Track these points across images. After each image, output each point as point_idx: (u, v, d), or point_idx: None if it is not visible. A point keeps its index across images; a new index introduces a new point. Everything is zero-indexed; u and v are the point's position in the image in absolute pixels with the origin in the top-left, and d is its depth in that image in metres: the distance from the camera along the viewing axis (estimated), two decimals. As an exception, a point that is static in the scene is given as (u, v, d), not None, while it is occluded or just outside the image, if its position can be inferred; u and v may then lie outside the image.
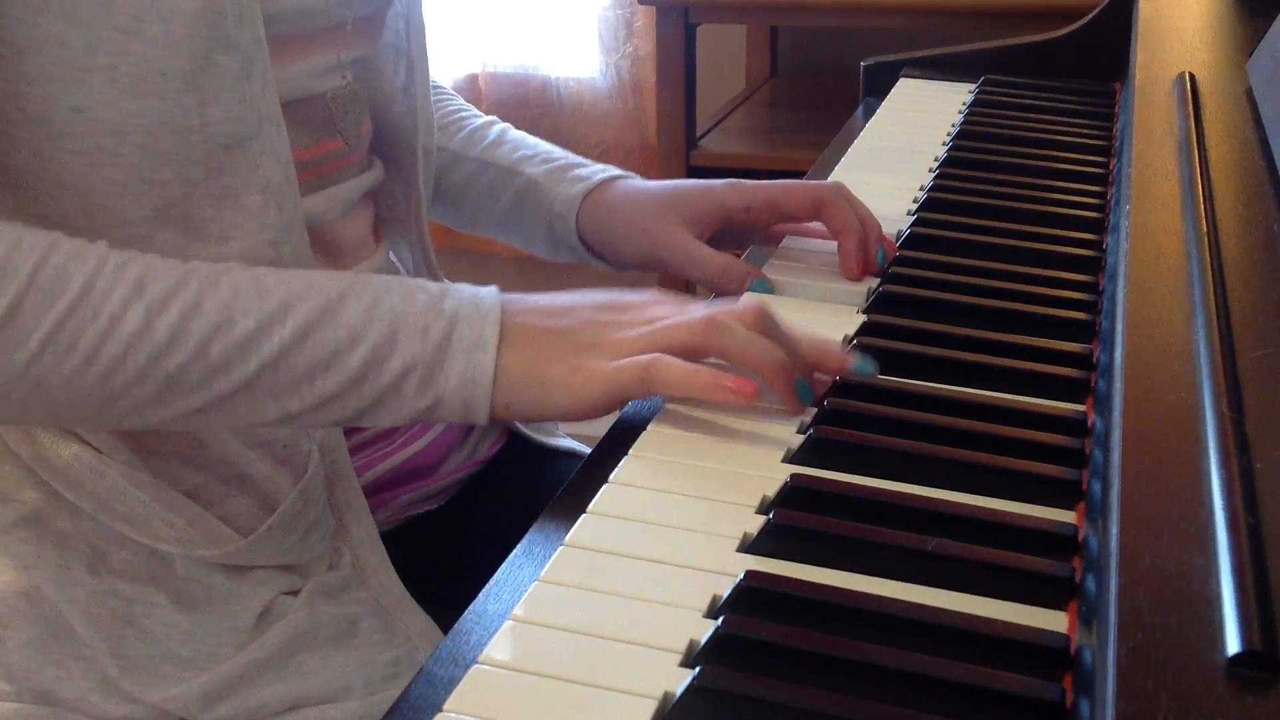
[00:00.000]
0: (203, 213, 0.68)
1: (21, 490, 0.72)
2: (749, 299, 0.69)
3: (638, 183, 0.91)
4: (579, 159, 0.95)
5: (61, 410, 0.63)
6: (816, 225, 0.87)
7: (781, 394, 0.65)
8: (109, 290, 0.62)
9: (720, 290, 0.83)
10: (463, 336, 0.64)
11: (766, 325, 0.66)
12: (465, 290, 0.67)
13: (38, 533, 0.72)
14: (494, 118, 1.00)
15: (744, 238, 0.91)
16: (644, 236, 0.87)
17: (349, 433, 0.81)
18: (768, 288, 0.82)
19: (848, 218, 0.83)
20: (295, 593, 0.74)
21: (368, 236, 0.84)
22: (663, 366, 0.63)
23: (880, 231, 0.85)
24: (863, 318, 0.77)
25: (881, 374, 0.69)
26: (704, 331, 0.65)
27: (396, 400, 0.65)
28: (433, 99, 0.96)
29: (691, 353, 0.65)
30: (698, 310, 0.67)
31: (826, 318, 0.77)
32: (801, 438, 0.63)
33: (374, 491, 0.84)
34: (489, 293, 0.67)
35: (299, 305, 0.64)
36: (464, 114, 0.99)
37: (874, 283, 0.82)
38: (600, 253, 0.91)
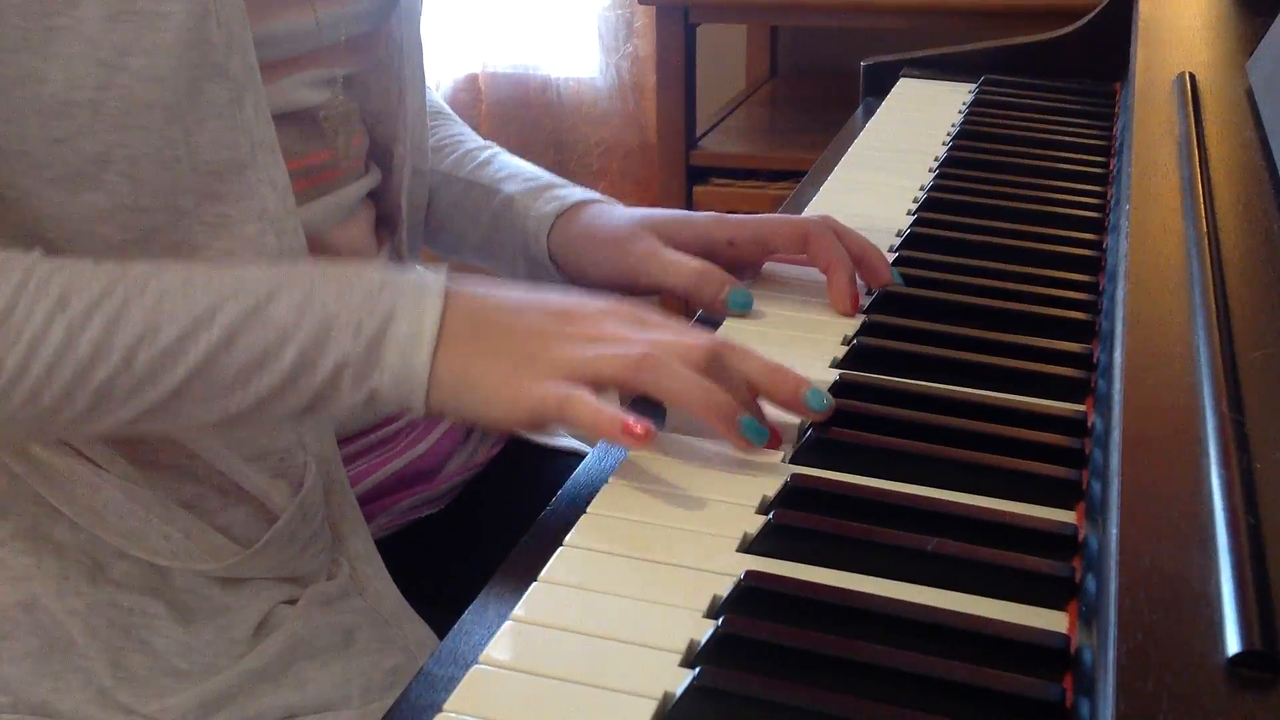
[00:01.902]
0: (195, 239, 0.67)
1: (18, 503, 0.72)
2: (704, 336, 0.65)
3: (618, 207, 0.87)
4: (564, 182, 0.91)
5: None
6: (804, 257, 0.82)
7: (726, 436, 0.62)
8: (31, 308, 0.61)
9: (696, 300, 0.79)
10: (398, 333, 0.62)
11: (711, 365, 0.63)
12: (410, 278, 0.64)
13: (36, 544, 0.71)
14: (490, 143, 0.97)
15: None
16: (615, 250, 0.83)
17: (347, 440, 0.81)
18: (746, 298, 0.78)
19: (836, 251, 0.79)
20: (293, 602, 0.74)
21: (369, 242, 0.84)
22: (577, 405, 0.61)
23: (881, 255, 0.80)
24: (863, 317, 0.77)
25: (881, 374, 0.69)
26: (636, 369, 0.62)
27: (334, 396, 0.63)
28: (432, 123, 0.95)
29: (622, 387, 0.63)
30: (639, 339, 0.63)
31: (828, 318, 0.77)
32: (802, 438, 0.63)
33: (375, 497, 0.84)
34: (435, 282, 0.64)
35: (226, 307, 0.62)
36: (460, 138, 0.97)
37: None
38: (570, 275, 0.87)
